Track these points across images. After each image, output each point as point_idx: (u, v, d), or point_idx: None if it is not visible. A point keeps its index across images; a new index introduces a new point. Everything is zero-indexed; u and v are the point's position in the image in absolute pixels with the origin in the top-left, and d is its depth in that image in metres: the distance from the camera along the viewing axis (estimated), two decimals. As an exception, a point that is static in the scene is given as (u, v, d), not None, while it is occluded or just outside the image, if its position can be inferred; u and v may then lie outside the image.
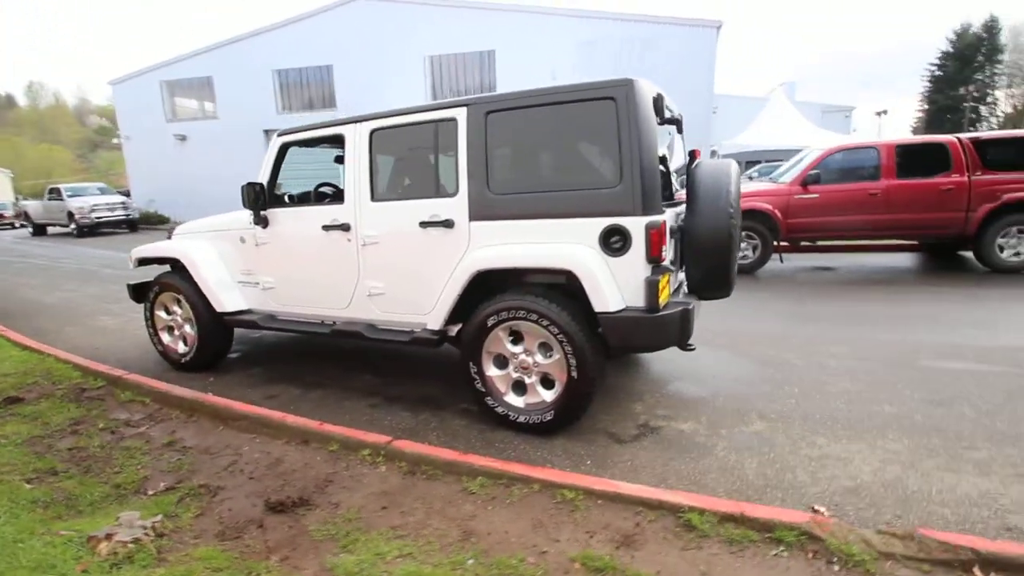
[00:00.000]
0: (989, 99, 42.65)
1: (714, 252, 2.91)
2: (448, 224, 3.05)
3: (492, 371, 3.05)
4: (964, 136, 7.06)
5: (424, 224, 3.12)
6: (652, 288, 2.63)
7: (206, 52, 22.37)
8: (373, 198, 3.31)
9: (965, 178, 6.86)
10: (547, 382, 2.97)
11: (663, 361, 4.15)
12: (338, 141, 3.50)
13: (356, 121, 3.36)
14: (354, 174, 3.36)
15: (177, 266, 4.55)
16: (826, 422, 3.08)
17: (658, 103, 2.81)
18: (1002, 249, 6.90)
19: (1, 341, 5.14)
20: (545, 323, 2.80)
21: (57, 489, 2.54)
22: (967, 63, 41.76)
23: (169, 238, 4.52)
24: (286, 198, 3.92)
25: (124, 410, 3.50)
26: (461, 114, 3.00)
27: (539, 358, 2.93)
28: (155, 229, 21.85)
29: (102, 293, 8.01)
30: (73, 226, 18.17)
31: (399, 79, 20.71)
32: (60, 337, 5.48)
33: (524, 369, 2.98)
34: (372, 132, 3.29)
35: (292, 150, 3.78)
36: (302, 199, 4.07)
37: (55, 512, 2.34)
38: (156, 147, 22.92)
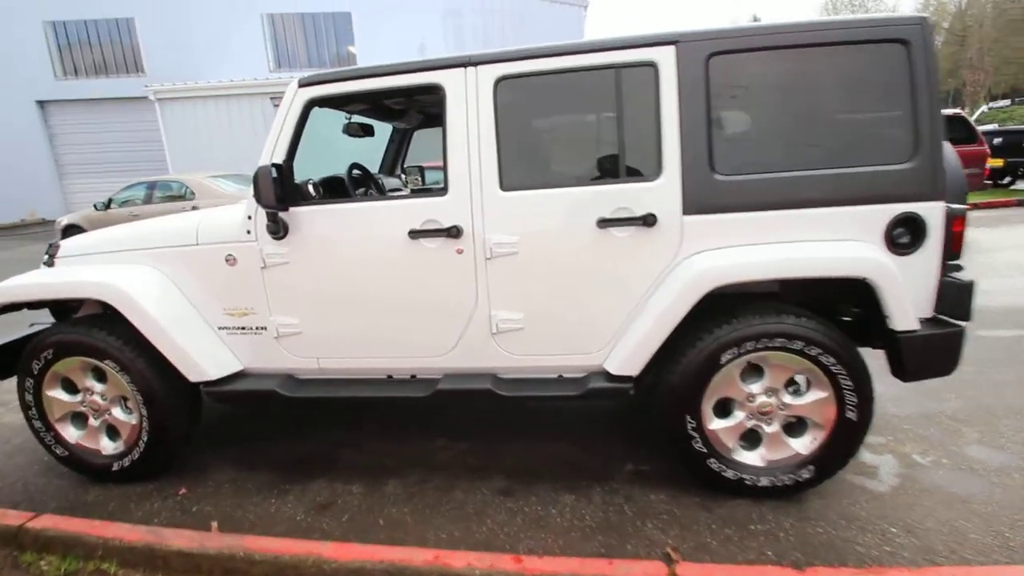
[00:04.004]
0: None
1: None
2: (648, 221, 2.06)
3: (715, 422, 2.18)
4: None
5: (605, 223, 2.08)
6: (966, 295, 2.02)
7: (-72, -11, 16.33)
8: (504, 186, 2.14)
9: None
10: (791, 429, 2.21)
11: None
12: (422, 96, 2.23)
13: (465, 64, 2.13)
14: (466, 148, 2.14)
15: (69, 310, 2.77)
16: None
17: None
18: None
19: None
20: (815, 351, 2.02)
21: None
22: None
23: (49, 264, 2.66)
24: (311, 188, 2.46)
25: (66, 600, 1.86)
26: (666, 56, 2.01)
27: (787, 398, 2.15)
28: None
29: None
30: None
31: (230, 41, 17.36)
32: None
33: (763, 414, 2.17)
34: (499, 81, 2.10)
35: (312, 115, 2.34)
36: (332, 189, 2.63)
37: None
38: None
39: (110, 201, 10.04)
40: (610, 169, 2.16)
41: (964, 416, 2.87)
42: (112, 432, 2.60)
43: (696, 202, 2.05)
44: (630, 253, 2.11)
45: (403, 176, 3.70)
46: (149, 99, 14.08)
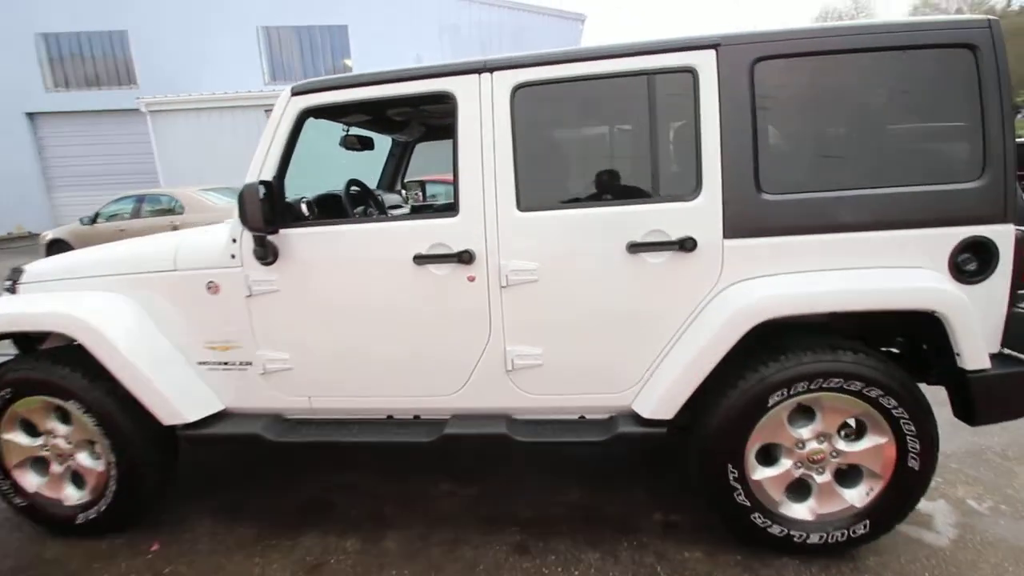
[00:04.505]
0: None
1: None
2: (685, 245, 1.83)
3: (760, 472, 1.94)
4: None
5: (636, 247, 1.85)
6: (1045, 327, 1.80)
7: (-84, 0, 16.10)
8: (522, 205, 1.91)
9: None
10: (843, 478, 1.96)
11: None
12: (429, 106, 2.01)
13: (479, 70, 1.90)
14: (479, 164, 1.91)
15: (31, 343, 2.50)
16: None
17: None
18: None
19: None
20: (875, 393, 1.79)
21: None
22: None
23: (11, 291, 2.40)
24: (304, 207, 2.23)
25: None
26: (706, 61, 1.79)
27: (841, 444, 1.91)
28: None
29: None
30: None
31: (224, 54, 17.22)
32: None
33: (814, 462, 1.93)
34: (517, 89, 1.88)
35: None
36: (328, 208, 2.39)
37: None
38: None
39: (96, 215, 9.74)
40: (642, 187, 1.93)
41: (1014, 454, 2.65)
42: (77, 480, 2.32)
43: (739, 224, 1.82)
44: (664, 281, 1.88)
45: (404, 191, 3.47)
46: (141, 111, 13.84)
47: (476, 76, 1.90)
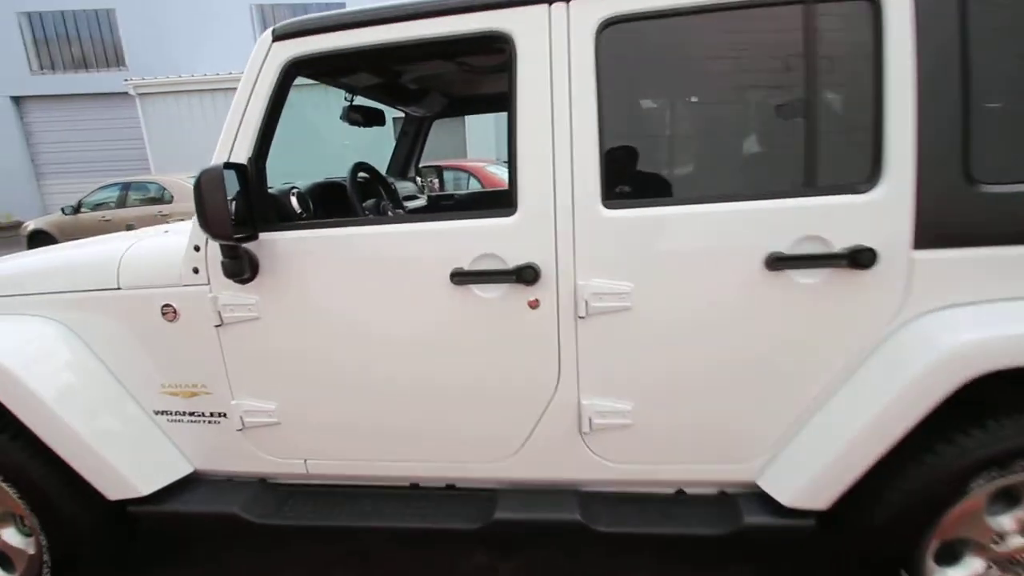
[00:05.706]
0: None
1: None
2: (859, 259, 1.24)
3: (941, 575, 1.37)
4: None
5: (780, 262, 1.26)
6: None
7: None
8: (609, 200, 1.32)
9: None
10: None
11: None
12: (470, 56, 1.41)
13: None
14: (548, 139, 1.31)
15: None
16: None
17: None
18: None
19: None
20: None
21: None
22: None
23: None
24: (294, 201, 1.63)
25: None
26: (895, -20, 1.19)
27: (1057, 539, 1.34)
28: None
29: None
30: None
31: (217, 33, 16.44)
32: None
33: (1012, 563, 1.36)
34: (606, 25, 1.27)
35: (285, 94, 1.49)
36: (327, 202, 1.79)
37: None
38: None
39: (80, 204, 9.10)
40: (789, 173, 1.33)
41: None
42: (4, 561, 1.76)
43: (939, 228, 1.23)
44: (820, 310, 1.29)
45: (418, 179, 2.87)
46: (130, 94, 13.12)
47: (545, 7, 1.29)
